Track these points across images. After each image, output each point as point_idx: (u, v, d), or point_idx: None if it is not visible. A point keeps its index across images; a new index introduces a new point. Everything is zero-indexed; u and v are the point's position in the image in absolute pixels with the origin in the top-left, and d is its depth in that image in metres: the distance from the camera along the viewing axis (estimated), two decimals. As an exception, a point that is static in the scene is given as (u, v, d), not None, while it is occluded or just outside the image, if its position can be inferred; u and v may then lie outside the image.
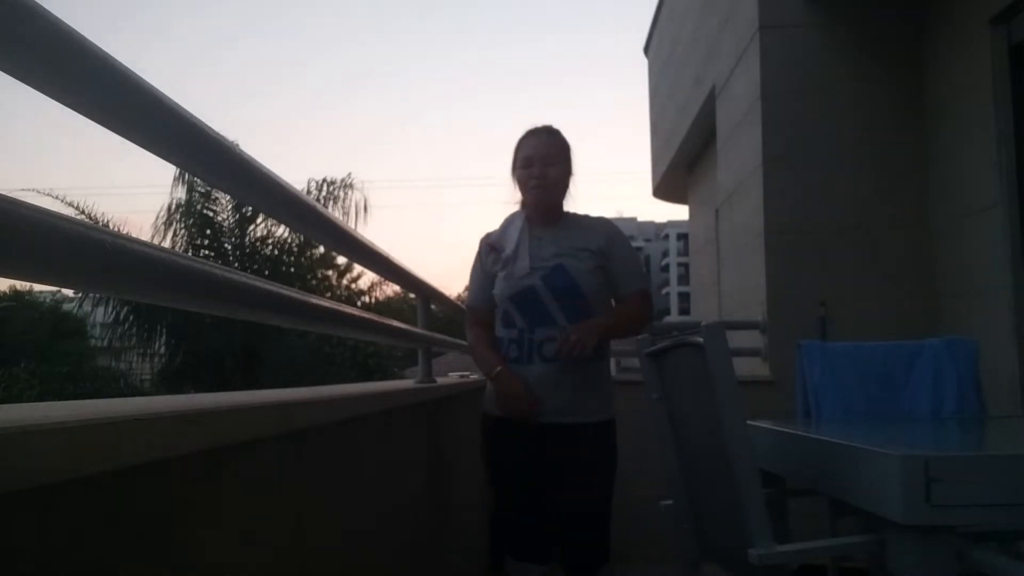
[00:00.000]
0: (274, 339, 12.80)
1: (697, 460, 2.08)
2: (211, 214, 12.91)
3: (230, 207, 12.86)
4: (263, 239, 13.46)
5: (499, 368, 2.11)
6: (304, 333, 13.18)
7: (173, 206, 12.52)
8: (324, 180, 13.62)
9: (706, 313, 6.88)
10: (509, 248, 2.19)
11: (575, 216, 2.28)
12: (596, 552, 2.12)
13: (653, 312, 2.26)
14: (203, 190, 12.54)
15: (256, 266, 12.97)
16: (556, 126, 2.26)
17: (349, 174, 13.76)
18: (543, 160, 2.17)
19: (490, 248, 2.24)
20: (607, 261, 2.17)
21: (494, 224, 2.32)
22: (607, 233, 2.22)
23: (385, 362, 17.10)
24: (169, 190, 12.44)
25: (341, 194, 13.60)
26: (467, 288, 2.34)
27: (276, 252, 13.59)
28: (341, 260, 15.01)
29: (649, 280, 2.31)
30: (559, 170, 2.19)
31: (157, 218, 12.48)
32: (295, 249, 13.69)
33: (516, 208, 2.29)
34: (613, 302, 2.24)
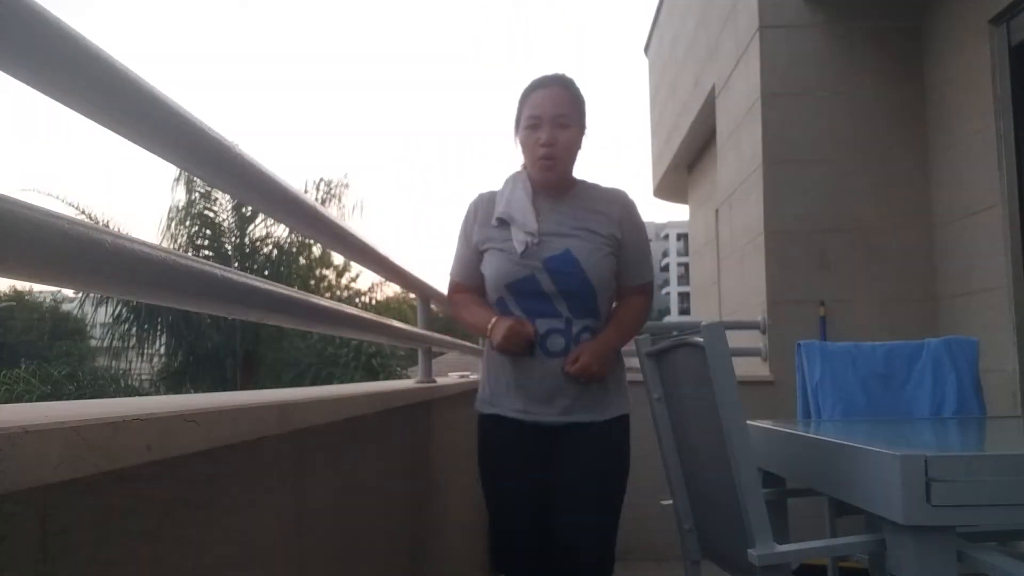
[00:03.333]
0: (274, 340, 12.82)
1: (697, 460, 2.08)
2: (211, 215, 12.95)
3: (229, 207, 12.90)
4: (263, 239, 13.51)
5: (495, 319, 1.83)
6: (306, 334, 13.20)
7: (173, 210, 12.58)
8: (321, 180, 13.74)
9: (706, 313, 6.88)
10: (510, 211, 1.87)
11: (587, 186, 1.94)
12: (603, 560, 1.83)
13: (651, 306, 2.04)
14: (203, 190, 12.57)
15: (255, 266, 12.99)
16: (569, 75, 1.89)
17: (346, 174, 14.01)
18: (553, 121, 1.81)
19: (497, 220, 1.89)
20: (619, 246, 1.89)
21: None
22: (623, 212, 1.91)
23: (389, 362, 17.13)
24: (169, 190, 12.50)
25: (339, 192, 13.71)
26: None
27: (275, 252, 13.64)
28: (339, 260, 15.06)
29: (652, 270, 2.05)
30: (572, 134, 1.84)
31: (163, 222, 12.56)
32: (294, 250, 13.75)
33: (518, 169, 1.96)
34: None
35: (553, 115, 1.81)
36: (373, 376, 15.82)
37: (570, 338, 1.83)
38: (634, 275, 1.95)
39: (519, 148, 1.91)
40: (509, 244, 1.85)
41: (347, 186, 14.10)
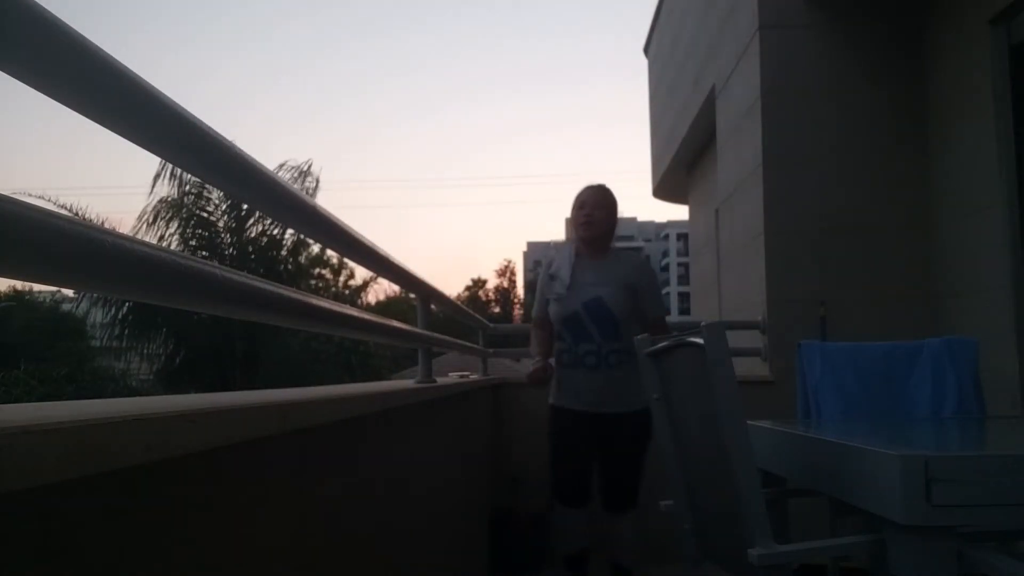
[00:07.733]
0: (271, 338, 12.77)
1: (697, 460, 2.07)
2: (205, 215, 12.84)
3: (223, 207, 12.79)
4: (259, 238, 13.41)
5: (538, 358, 2.93)
6: (296, 331, 13.13)
7: (155, 205, 12.33)
8: (283, 164, 13.07)
9: (706, 313, 6.88)
10: (557, 270, 2.93)
11: (616, 252, 2.96)
12: (629, 498, 2.89)
13: (667, 330, 2.90)
14: (195, 191, 12.43)
15: (252, 265, 12.93)
16: (607, 184, 3.04)
17: (309, 160, 13.40)
18: (592, 205, 2.91)
19: (549, 276, 2.98)
20: (637, 292, 2.84)
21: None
22: (639, 271, 2.91)
23: (372, 361, 17.01)
24: (150, 189, 12.23)
25: (306, 180, 13.31)
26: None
27: (272, 254, 13.52)
28: (337, 258, 14.93)
29: (664, 306, 3.03)
30: (603, 214, 2.91)
31: (140, 219, 12.27)
32: (288, 249, 13.61)
33: (570, 243, 3.02)
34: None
35: (593, 202, 2.91)
36: (350, 371, 15.75)
37: (600, 357, 2.79)
38: (651, 310, 2.91)
39: (572, 226, 2.94)
40: (554, 289, 2.90)
41: (308, 173, 13.49)
